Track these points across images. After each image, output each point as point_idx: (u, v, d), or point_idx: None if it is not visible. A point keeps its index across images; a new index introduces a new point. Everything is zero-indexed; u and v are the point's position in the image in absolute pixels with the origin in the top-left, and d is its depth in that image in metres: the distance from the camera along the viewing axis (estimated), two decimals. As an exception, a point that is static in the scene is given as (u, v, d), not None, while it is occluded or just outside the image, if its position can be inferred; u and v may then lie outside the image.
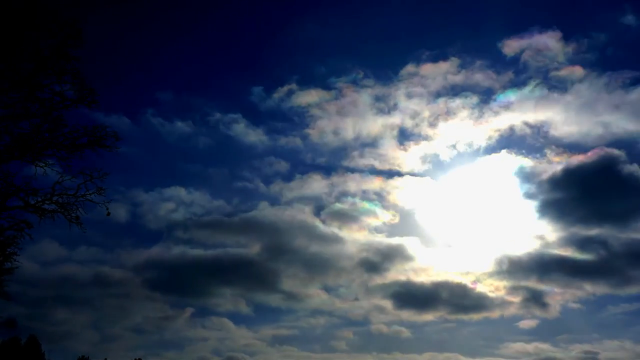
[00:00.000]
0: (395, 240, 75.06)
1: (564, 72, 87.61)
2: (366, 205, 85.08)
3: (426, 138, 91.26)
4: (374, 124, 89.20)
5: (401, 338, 68.43)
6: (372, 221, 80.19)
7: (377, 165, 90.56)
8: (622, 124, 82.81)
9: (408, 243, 73.33)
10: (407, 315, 70.82)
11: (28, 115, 25.61)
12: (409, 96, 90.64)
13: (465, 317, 69.58)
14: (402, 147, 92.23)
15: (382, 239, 75.08)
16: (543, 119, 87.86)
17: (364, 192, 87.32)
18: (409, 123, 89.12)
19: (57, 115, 25.99)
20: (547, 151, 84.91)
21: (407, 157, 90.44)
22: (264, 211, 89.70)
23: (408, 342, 68.46)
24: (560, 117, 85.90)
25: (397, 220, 75.75)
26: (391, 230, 75.88)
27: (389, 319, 70.29)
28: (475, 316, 69.75)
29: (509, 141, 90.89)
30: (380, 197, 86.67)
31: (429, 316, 70.20)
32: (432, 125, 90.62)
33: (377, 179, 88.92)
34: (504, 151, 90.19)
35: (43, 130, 25.86)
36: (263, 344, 66.93)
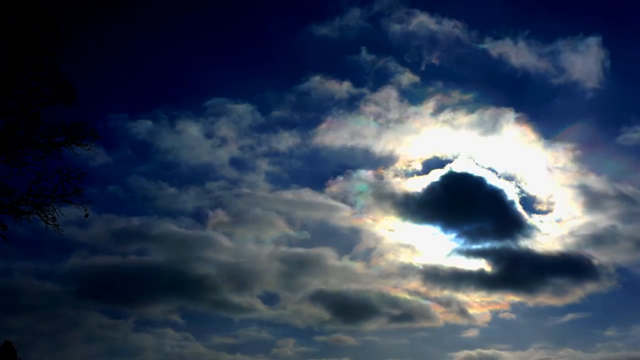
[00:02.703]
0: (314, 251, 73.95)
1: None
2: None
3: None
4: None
5: (348, 345, 67.33)
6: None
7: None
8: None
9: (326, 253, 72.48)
10: (348, 323, 69.80)
11: (3, 113, 24.71)
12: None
13: (404, 325, 68.54)
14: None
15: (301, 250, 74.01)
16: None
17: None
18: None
19: (33, 113, 25.10)
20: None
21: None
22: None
23: (355, 349, 67.43)
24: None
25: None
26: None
27: (332, 327, 69.20)
28: (414, 325, 68.80)
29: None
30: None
31: (370, 325, 69.07)
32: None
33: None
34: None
35: (19, 128, 24.94)
36: (212, 352, 65.88)
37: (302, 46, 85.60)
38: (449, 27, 78.44)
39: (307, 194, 77.58)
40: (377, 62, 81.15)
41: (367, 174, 77.68)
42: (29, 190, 25.13)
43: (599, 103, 77.65)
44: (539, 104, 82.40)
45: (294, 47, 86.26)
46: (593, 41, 76.19)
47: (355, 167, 78.57)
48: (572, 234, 75.67)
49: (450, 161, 76.52)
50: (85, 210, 25.96)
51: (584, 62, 75.44)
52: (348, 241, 75.93)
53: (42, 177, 25.24)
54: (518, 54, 77.70)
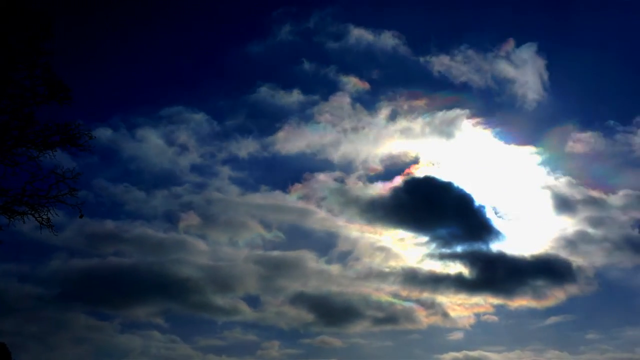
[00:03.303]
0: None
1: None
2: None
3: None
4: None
5: (334, 347, 67.65)
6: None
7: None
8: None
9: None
10: (332, 326, 70.25)
11: (-3, 112, 24.43)
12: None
13: (388, 328, 69.06)
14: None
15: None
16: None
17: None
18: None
19: (27, 112, 24.84)
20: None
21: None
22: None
23: (341, 351, 67.79)
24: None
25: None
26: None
27: (316, 330, 69.55)
28: (397, 327, 69.40)
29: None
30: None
31: (354, 327, 69.46)
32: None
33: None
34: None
35: (12, 127, 24.66)
36: (199, 354, 65.94)
37: (247, 58, 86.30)
38: (387, 39, 79.37)
39: (278, 197, 77.70)
40: (323, 71, 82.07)
41: (329, 179, 78.03)
42: (23, 191, 24.86)
43: (543, 110, 78.50)
44: (490, 111, 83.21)
45: (240, 59, 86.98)
46: (530, 49, 77.34)
47: (317, 173, 78.87)
48: (542, 236, 76.33)
49: (409, 166, 77.11)
50: (80, 211, 25.77)
51: (523, 70, 76.51)
52: (323, 244, 75.86)
53: (36, 178, 25.00)
54: (458, 64, 78.85)
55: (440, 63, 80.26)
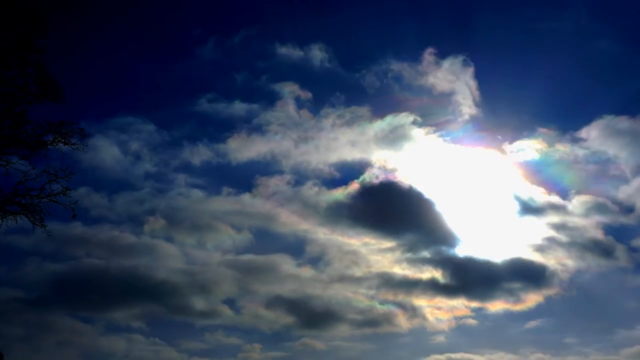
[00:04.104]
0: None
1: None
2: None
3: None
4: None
5: (316, 350, 68.08)
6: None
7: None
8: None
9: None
10: (312, 329, 70.84)
11: (-13, 111, 24.03)
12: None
13: (369, 331, 69.80)
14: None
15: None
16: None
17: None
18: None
19: (19, 111, 24.49)
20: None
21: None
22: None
23: (324, 354, 68.15)
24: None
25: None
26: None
27: (297, 332, 70.11)
28: (378, 330, 70.20)
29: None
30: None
31: (334, 330, 70.09)
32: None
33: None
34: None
35: (4, 126, 24.27)
36: (184, 356, 65.84)
37: (187, 69, 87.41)
38: (317, 52, 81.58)
39: (242, 200, 77.92)
40: (261, 82, 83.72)
41: (286, 184, 78.80)
42: (15, 190, 24.50)
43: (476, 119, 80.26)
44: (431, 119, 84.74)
45: (180, 71, 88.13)
46: (457, 60, 79.23)
47: (274, 177, 79.82)
48: (506, 240, 77.80)
49: (361, 172, 77.93)
50: (73, 211, 25.50)
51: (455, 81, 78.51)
52: (293, 247, 76.25)
53: (28, 177, 24.66)
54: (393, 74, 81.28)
55: (374, 73, 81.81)
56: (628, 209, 72.11)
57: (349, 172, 78.59)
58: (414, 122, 77.22)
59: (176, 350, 65.79)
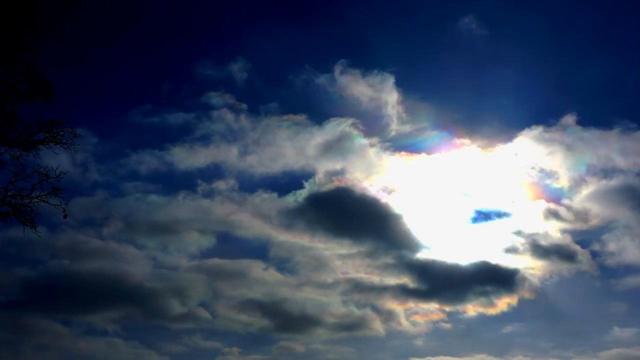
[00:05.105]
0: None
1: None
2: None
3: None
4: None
5: (296, 353, 68.49)
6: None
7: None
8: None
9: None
10: (289, 332, 71.21)
11: (-24, 110, 23.55)
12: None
13: (345, 334, 70.51)
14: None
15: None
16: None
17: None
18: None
19: (9, 110, 24.08)
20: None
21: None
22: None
23: (304, 357, 68.57)
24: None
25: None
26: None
27: (275, 336, 70.61)
28: (356, 334, 70.93)
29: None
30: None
31: (312, 334, 70.62)
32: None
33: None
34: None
35: (-6, 125, 23.83)
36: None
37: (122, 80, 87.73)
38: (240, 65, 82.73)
39: (202, 205, 77.81)
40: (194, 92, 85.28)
41: (238, 191, 79.11)
42: (5, 191, 24.07)
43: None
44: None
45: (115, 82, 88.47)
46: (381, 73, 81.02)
47: (229, 183, 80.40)
48: (466, 244, 78.19)
49: (308, 178, 78.66)
50: (64, 211, 25.15)
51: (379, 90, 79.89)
52: (260, 251, 76.42)
53: (19, 177, 24.24)
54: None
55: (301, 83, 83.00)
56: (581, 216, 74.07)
57: (294, 178, 78.92)
58: (354, 127, 77.96)
59: (158, 353, 65.44)
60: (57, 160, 25.07)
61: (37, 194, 24.44)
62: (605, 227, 73.24)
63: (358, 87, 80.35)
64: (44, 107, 24.31)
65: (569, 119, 76.71)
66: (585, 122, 77.74)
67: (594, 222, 73.34)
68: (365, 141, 78.21)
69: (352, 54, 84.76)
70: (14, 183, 24.12)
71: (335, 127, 78.19)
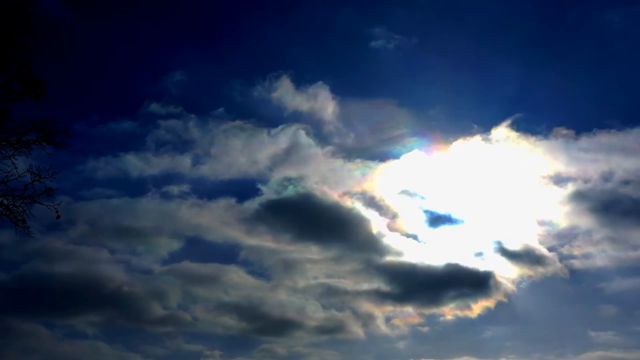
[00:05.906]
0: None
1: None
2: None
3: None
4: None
5: (278, 356, 68.69)
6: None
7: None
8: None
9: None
10: (270, 335, 71.60)
11: (-32, 109, 23.21)
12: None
13: (326, 338, 70.89)
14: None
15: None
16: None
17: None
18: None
19: (1, 109, 23.76)
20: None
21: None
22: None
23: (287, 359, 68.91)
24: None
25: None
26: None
27: (256, 338, 71.03)
28: (336, 337, 71.46)
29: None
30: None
31: (293, 337, 70.93)
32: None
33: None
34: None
35: (-14, 125, 23.51)
36: None
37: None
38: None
39: (168, 209, 77.54)
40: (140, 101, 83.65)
41: (200, 196, 79.35)
42: (-3, 191, 23.74)
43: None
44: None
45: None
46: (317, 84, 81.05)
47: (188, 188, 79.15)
48: (437, 247, 77.64)
49: (266, 183, 78.97)
50: (57, 211, 24.91)
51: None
52: (230, 255, 76.35)
53: (11, 177, 23.95)
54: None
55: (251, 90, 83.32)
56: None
57: (251, 184, 78.89)
58: (307, 133, 78.15)
59: (141, 356, 64.98)
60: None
61: (29, 194, 24.19)
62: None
63: (297, 97, 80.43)
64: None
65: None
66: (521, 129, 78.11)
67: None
68: (317, 148, 78.11)
69: (283, 67, 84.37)
70: (5, 183, 23.82)
71: (286, 132, 78.35)
